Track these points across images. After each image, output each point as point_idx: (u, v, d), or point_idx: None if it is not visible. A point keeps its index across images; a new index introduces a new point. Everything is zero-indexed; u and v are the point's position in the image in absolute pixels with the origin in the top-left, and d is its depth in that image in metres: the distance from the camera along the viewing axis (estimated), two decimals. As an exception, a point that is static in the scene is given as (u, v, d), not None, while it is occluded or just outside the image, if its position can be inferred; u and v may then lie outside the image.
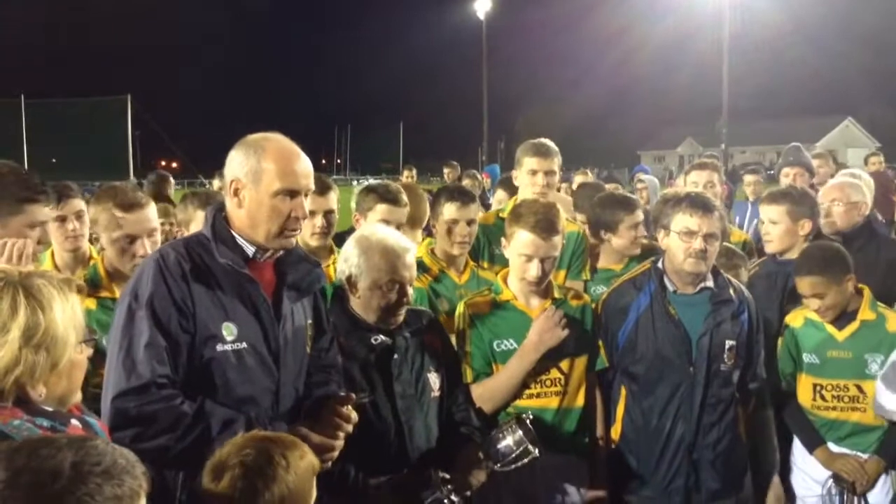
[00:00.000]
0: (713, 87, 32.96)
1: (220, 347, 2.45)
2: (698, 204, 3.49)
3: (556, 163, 4.60)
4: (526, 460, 3.03)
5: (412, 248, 3.13)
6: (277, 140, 2.57)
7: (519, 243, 3.43)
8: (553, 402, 3.49)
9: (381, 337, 3.05)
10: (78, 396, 2.04)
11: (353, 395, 2.71)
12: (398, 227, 3.88)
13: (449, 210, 4.01)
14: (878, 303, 3.92)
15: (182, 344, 2.39)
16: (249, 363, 2.51)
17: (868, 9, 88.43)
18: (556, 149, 4.66)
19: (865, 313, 3.84)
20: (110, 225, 3.30)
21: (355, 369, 3.00)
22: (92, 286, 3.26)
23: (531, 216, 3.41)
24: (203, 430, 2.31)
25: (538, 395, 3.49)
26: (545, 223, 3.39)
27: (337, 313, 3.08)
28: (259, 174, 2.49)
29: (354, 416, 2.65)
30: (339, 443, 2.57)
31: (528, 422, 3.05)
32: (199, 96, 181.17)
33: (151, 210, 3.41)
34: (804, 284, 3.83)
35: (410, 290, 3.09)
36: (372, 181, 6.14)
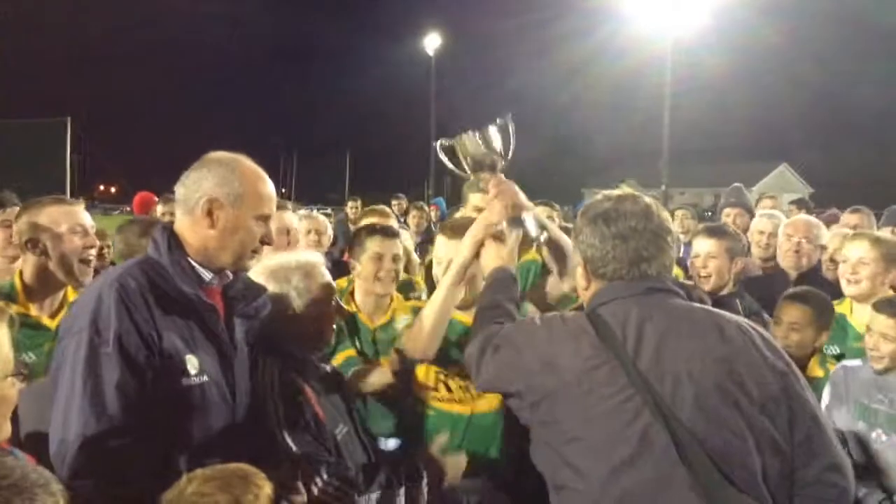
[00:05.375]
0: (656, 129, 33.64)
1: (184, 382, 2.34)
2: None
3: None
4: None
5: (321, 258, 3.11)
6: (249, 162, 2.54)
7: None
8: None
9: (326, 366, 2.99)
10: (7, 431, 1.91)
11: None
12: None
13: (372, 244, 3.81)
14: (829, 359, 3.91)
15: (148, 380, 2.26)
16: (211, 397, 2.41)
17: (806, 58, 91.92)
18: None
19: (814, 370, 3.82)
20: (64, 218, 3.20)
21: (324, 403, 2.88)
22: (4, 299, 3.10)
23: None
24: (174, 475, 2.16)
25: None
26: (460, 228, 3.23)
27: (276, 351, 2.88)
28: (242, 196, 2.45)
29: None
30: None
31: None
32: (142, 123, 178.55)
33: None
34: (791, 310, 3.87)
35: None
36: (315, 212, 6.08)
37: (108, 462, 2.14)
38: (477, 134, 2.93)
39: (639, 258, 2.28)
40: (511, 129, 3.01)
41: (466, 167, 3.02)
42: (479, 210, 4.12)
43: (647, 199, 2.38)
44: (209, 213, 2.44)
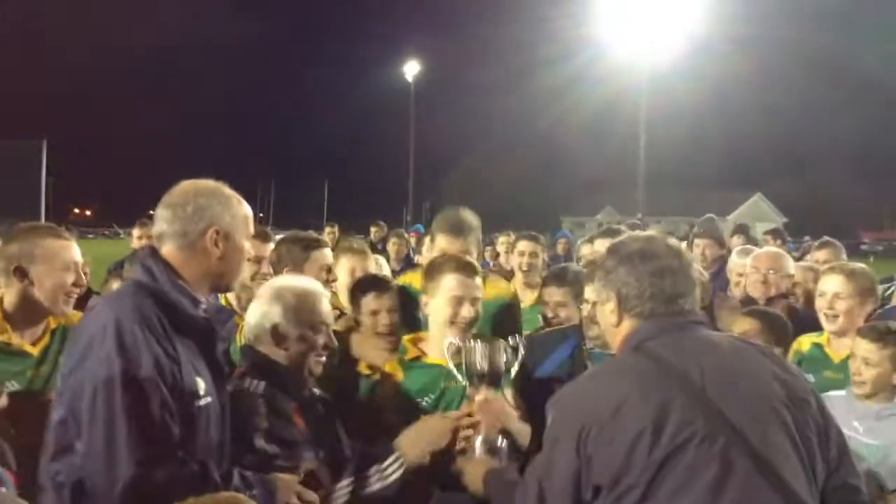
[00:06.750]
0: (633, 158, 33.94)
1: (197, 403, 2.39)
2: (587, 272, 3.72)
3: (473, 242, 4.12)
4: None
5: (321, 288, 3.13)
6: (229, 188, 2.62)
7: (445, 288, 3.35)
8: None
9: (318, 391, 2.99)
10: None
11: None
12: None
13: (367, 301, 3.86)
14: None
15: (177, 403, 2.31)
16: (212, 417, 2.46)
17: (780, 88, 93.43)
18: (475, 224, 4.17)
19: None
20: (60, 252, 3.13)
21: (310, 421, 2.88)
22: None
23: (452, 261, 3.44)
24: (214, 489, 2.22)
25: None
26: (466, 264, 3.43)
27: (268, 375, 2.84)
28: (241, 222, 2.57)
29: None
30: None
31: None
32: (117, 146, 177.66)
33: None
34: (740, 322, 3.92)
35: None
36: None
37: (163, 482, 2.17)
38: (486, 348, 2.99)
39: (676, 294, 2.34)
40: (521, 351, 3.18)
41: (461, 375, 3.08)
42: (446, 253, 3.95)
43: (672, 239, 2.50)
44: (216, 244, 2.50)
